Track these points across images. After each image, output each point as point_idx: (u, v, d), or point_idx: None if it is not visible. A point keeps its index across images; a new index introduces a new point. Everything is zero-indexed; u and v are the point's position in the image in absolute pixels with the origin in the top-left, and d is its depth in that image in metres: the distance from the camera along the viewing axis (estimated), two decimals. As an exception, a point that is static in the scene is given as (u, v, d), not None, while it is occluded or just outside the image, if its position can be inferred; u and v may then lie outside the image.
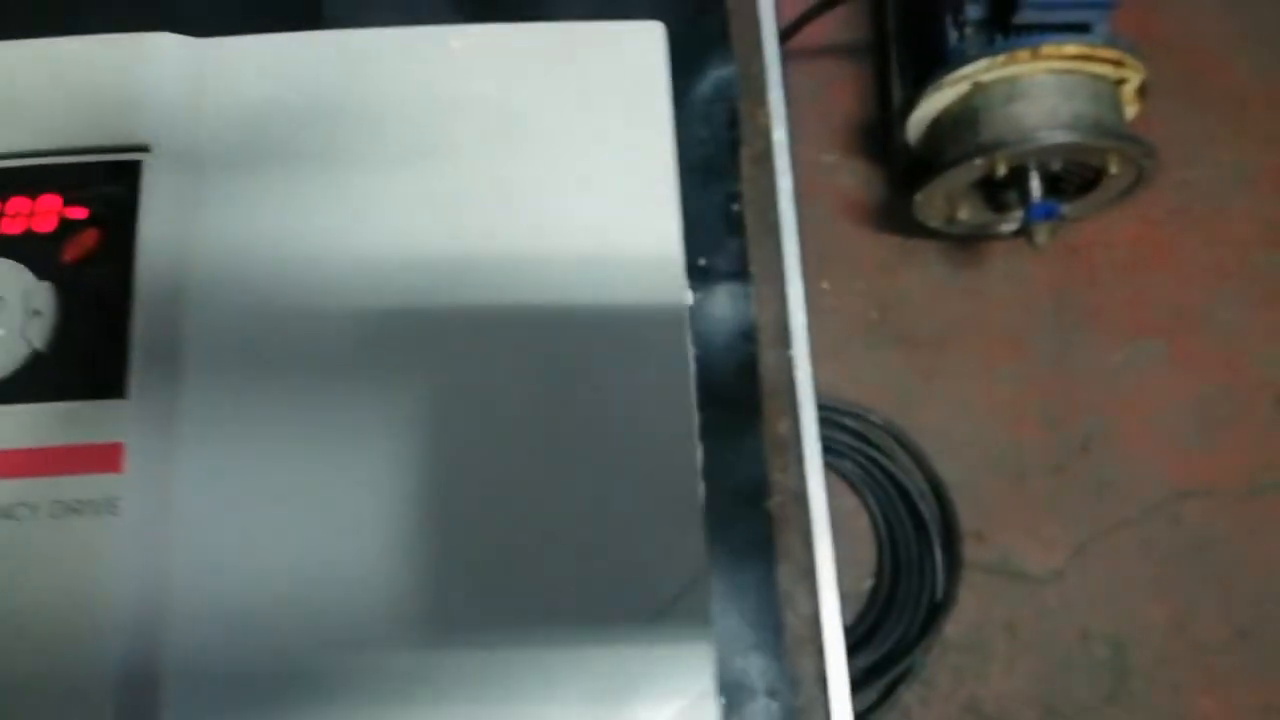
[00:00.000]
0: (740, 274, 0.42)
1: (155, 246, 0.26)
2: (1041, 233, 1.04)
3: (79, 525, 0.25)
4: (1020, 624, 1.11)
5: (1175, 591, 1.13)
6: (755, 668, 0.38)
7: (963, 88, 1.01)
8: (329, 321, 0.27)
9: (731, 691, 0.38)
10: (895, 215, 1.18)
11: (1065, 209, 1.08)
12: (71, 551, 0.25)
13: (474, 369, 0.27)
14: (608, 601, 0.24)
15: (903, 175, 1.19)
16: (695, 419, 0.27)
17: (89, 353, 0.26)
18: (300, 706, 0.24)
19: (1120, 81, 0.99)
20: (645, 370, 0.27)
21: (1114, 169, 0.99)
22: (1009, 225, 1.14)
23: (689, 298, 0.29)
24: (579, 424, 0.27)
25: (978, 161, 1.00)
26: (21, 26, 0.29)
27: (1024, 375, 1.21)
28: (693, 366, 0.28)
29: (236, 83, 0.29)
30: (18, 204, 0.27)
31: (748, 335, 0.41)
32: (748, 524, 0.40)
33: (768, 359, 0.41)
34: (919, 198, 1.07)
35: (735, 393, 0.41)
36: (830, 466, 1.15)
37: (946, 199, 1.08)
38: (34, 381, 0.26)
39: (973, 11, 1.02)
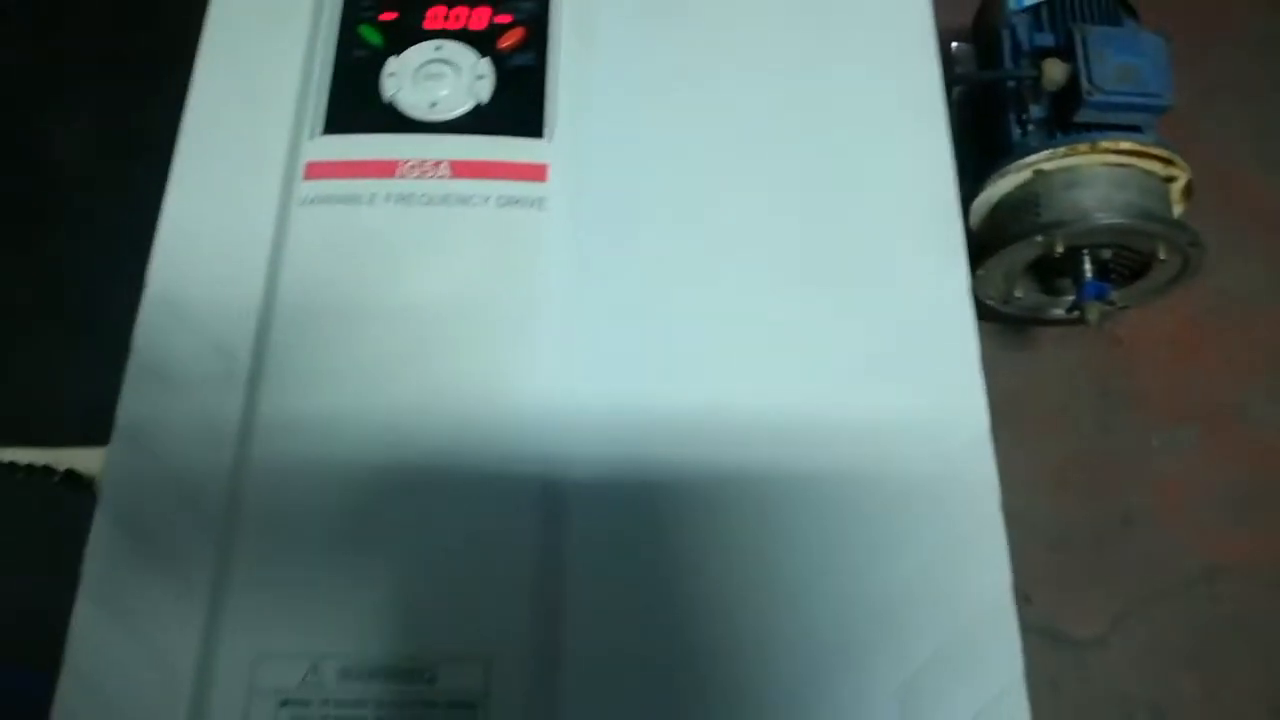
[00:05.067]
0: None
1: (569, 46, 0.37)
2: (1093, 310, 1.14)
3: (517, 213, 0.35)
4: (1064, 684, 1.15)
5: (1211, 664, 1.17)
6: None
7: (1025, 175, 1.13)
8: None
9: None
10: (955, 295, 1.28)
11: (1114, 295, 1.18)
12: (512, 231, 0.35)
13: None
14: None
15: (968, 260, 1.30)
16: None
17: (517, 106, 0.37)
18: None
19: (1169, 179, 1.11)
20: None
21: (1163, 254, 1.09)
22: (1059, 309, 1.24)
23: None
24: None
25: (1038, 239, 1.10)
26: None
27: (1067, 452, 1.29)
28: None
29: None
30: (459, 11, 0.38)
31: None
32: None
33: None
34: (980, 273, 1.17)
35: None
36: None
37: (1005, 277, 1.19)
38: (479, 122, 0.36)
39: (1036, 111, 1.15)
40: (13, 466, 0.50)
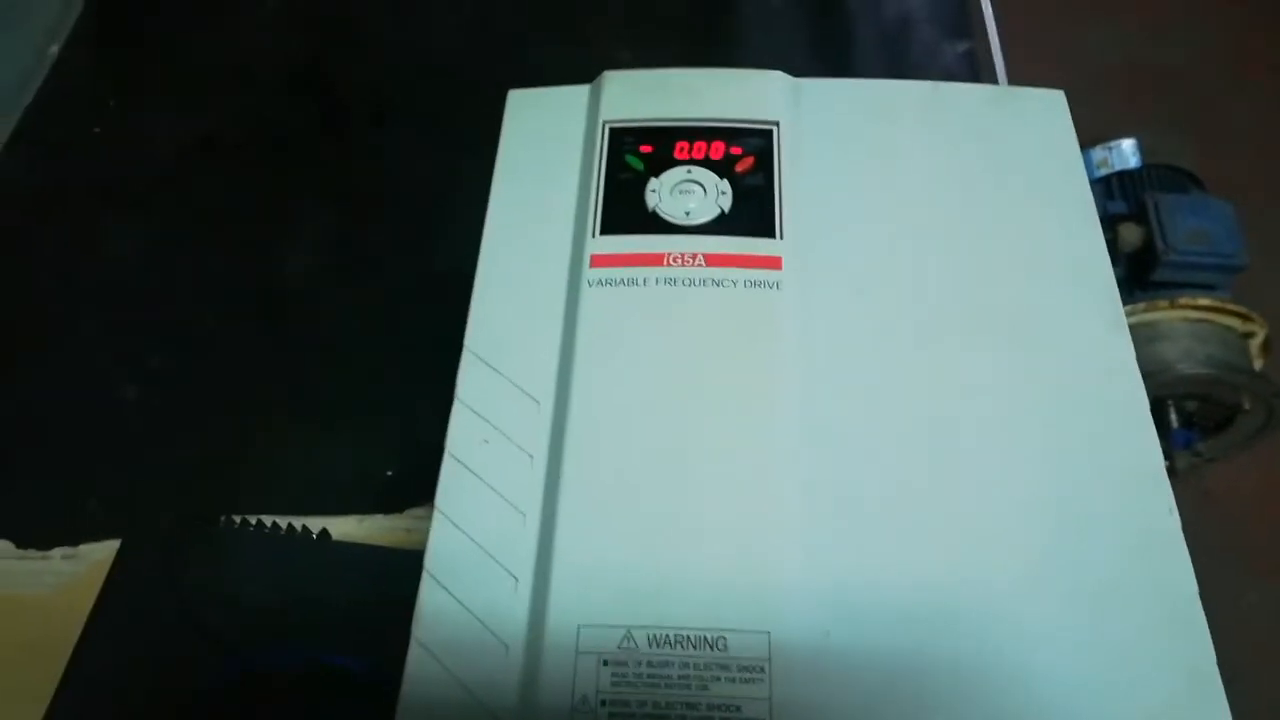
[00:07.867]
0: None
1: (788, 170, 0.48)
2: (1182, 459, 1.19)
3: (759, 294, 0.44)
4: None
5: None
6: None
7: (1110, 331, 1.21)
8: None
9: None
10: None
11: (1201, 447, 1.23)
12: (754, 306, 0.44)
13: None
14: None
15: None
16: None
17: (753, 214, 0.47)
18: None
19: (1247, 335, 1.19)
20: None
21: (1247, 405, 1.15)
22: (1147, 461, 1.28)
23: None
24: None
25: (1126, 389, 1.17)
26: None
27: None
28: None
29: (818, 104, 0.51)
30: (700, 145, 0.49)
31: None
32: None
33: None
34: (1072, 422, 1.23)
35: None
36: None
37: (1094, 427, 1.24)
38: (723, 225, 0.47)
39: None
40: (265, 525, 0.59)
